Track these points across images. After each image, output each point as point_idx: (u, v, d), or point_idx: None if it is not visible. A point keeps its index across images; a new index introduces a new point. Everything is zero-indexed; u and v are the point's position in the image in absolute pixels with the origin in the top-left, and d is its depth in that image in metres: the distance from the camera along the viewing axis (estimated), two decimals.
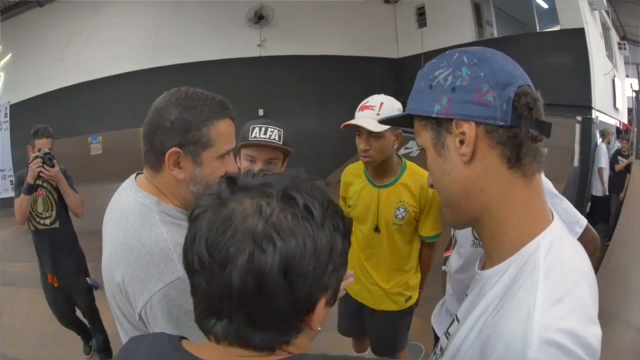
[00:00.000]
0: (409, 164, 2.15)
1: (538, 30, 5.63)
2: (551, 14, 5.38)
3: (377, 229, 2.12)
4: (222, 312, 0.61)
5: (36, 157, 2.79)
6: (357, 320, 2.39)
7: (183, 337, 0.70)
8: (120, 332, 1.17)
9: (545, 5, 5.51)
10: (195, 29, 7.91)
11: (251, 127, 1.80)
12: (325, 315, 0.68)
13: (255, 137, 1.79)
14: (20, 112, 7.80)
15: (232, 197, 0.62)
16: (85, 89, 7.58)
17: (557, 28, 5.31)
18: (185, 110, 1.09)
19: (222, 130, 1.14)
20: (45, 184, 2.97)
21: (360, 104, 2.02)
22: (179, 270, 0.97)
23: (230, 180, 0.65)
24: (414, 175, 2.09)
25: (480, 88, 0.72)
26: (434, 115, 0.76)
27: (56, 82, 7.77)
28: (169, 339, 0.70)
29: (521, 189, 0.75)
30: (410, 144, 6.54)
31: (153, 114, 1.12)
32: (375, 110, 1.94)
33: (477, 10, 6.50)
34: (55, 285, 3.01)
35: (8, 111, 7.99)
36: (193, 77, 7.75)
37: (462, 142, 0.74)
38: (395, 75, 8.12)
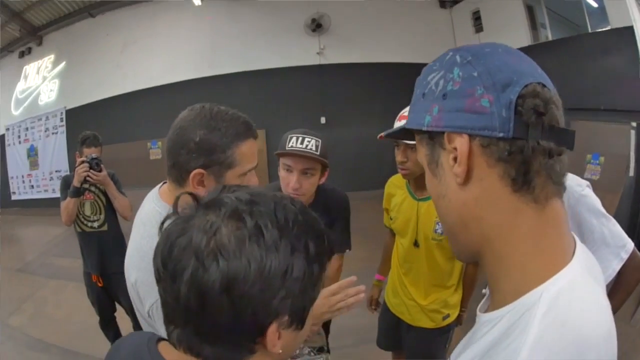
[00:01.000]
0: None
1: (590, 30, 5.37)
2: (601, 14, 5.12)
3: (416, 244, 2.04)
4: (175, 321, 0.62)
5: (83, 161, 2.87)
6: (395, 334, 2.33)
7: (163, 339, 0.70)
8: (140, 322, 1.25)
9: (594, 5, 5.24)
10: (253, 37, 8.04)
11: (289, 136, 1.83)
12: (292, 339, 0.66)
13: (292, 146, 1.81)
14: (77, 117, 8.25)
15: (195, 213, 0.62)
16: (143, 96, 7.88)
17: (607, 28, 5.03)
18: (209, 131, 1.11)
19: (245, 150, 1.16)
20: (93, 188, 3.05)
21: (400, 113, 1.93)
22: None
23: (194, 197, 0.65)
24: None
25: (473, 92, 0.57)
26: (424, 129, 0.63)
27: (113, 89, 8.17)
28: (149, 339, 0.70)
29: (530, 218, 0.57)
30: None
31: (177, 132, 1.14)
32: None
33: (531, 12, 6.30)
34: (100, 285, 3.09)
35: (64, 116, 8.51)
36: (252, 85, 7.95)
37: (455, 160, 0.59)
38: None
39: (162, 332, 0.69)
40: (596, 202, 1.44)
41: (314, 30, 7.88)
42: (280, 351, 0.63)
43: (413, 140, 0.71)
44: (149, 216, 1.19)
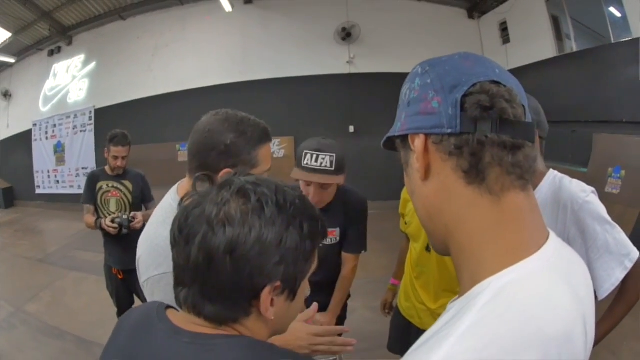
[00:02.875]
0: None
1: (613, 41, 5.30)
2: (623, 23, 5.05)
3: (428, 248, 2.05)
4: (184, 281, 0.71)
5: (113, 220, 2.92)
6: (405, 338, 2.33)
7: (171, 307, 0.80)
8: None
9: (618, 14, 5.18)
10: (284, 45, 8.10)
11: (304, 152, 1.90)
12: (286, 309, 0.76)
13: (307, 164, 1.89)
14: (106, 116, 8.41)
15: (210, 191, 0.73)
16: (173, 99, 8.02)
17: (629, 38, 4.96)
18: (239, 135, 1.24)
19: (265, 153, 1.30)
20: (119, 185, 3.11)
21: None
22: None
23: (209, 177, 0.81)
24: None
25: (426, 96, 0.63)
26: (396, 134, 0.69)
27: (144, 91, 8.34)
28: (158, 306, 0.79)
29: (485, 210, 0.59)
30: None
31: (206, 135, 1.24)
32: None
33: (556, 23, 6.25)
34: (120, 277, 3.14)
35: (93, 115, 8.69)
36: (282, 92, 8.03)
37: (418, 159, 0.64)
38: None
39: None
40: (600, 209, 1.41)
41: (344, 39, 7.91)
42: (273, 317, 0.72)
43: (394, 149, 0.75)
44: (161, 207, 1.34)
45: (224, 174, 1.21)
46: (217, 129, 1.24)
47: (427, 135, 0.62)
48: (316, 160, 1.88)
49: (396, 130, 0.69)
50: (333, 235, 2.16)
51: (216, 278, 0.68)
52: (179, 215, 0.72)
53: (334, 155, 1.88)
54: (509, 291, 0.54)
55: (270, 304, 0.71)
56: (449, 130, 0.59)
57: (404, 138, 0.67)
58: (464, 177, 0.60)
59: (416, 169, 0.65)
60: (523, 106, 0.62)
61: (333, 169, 1.87)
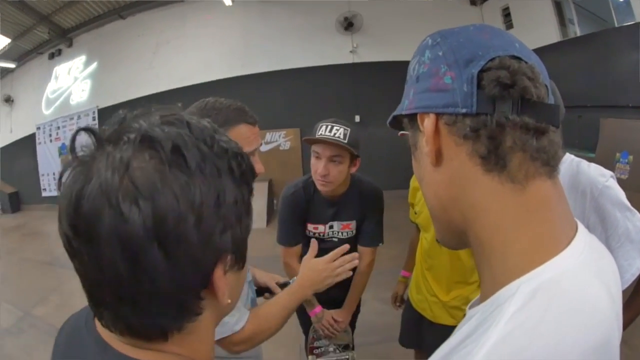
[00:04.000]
0: None
1: (616, 25, 5.25)
2: (626, 7, 5.00)
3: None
4: (103, 300, 0.49)
5: None
6: (417, 331, 2.30)
7: None
8: None
9: None
10: (285, 36, 8.08)
11: (319, 124, 1.89)
12: (236, 282, 0.59)
13: (320, 134, 1.87)
14: (109, 116, 8.38)
15: (95, 153, 0.48)
16: (176, 95, 7.93)
17: (633, 22, 4.90)
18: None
19: (237, 135, 1.25)
20: None
21: None
22: None
23: (91, 132, 0.49)
24: None
25: (437, 71, 0.55)
26: (403, 113, 0.61)
27: (147, 89, 8.32)
28: (87, 315, 0.60)
29: (508, 200, 0.52)
30: None
31: None
32: None
33: (559, 8, 6.21)
34: None
35: (96, 115, 8.70)
36: (286, 84, 8.01)
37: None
38: None
39: None
40: (621, 194, 1.35)
41: (346, 29, 7.88)
42: (230, 300, 0.56)
43: (402, 129, 0.68)
44: None
45: None
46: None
47: (438, 115, 0.55)
48: (330, 131, 1.87)
49: (404, 108, 0.62)
50: (349, 229, 2.15)
51: (148, 280, 0.46)
52: (64, 207, 0.47)
53: (348, 129, 1.88)
54: (541, 297, 0.46)
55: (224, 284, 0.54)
56: (464, 110, 0.52)
57: (412, 117, 0.60)
58: (481, 163, 0.52)
59: (425, 152, 0.57)
60: (546, 86, 0.54)
61: (345, 141, 1.85)
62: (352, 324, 2.35)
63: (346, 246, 1.52)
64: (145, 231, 0.44)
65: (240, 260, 0.57)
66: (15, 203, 9.73)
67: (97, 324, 0.55)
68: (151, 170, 0.45)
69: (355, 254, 1.51)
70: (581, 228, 0.56)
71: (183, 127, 0.50)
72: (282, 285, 1.68)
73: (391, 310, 2.52)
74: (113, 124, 0.50)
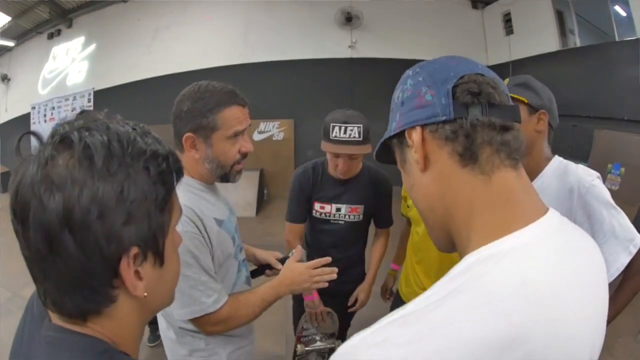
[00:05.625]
0: None
1: (617, 39, 5.28)
2: (628, 22, 5.03)
3: None
4: (37, 277, 0.58)
5: None
6: None
7: None
8: None
9: (623, 13, 5.16)
10: (286, 28, 8.09)
11: (331, 125, 1.94)
12: (158, 277, 0.63)
13: (335, 136, 1.93)
14: (105, 98, 8.36)
15: (37, 151, 0.57)
16: (173, 80, 7.80)
17: (634, 37, 4.94)
18: (195, 101, 1.34)
19: (229, 115, 1.36)
20: None
21: None
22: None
23: (34, 135, 0.61)
24: None
25: (419, 91, 0.68)
26: (392, 134, 0.73)
27: (144, 73, 8.30)
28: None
29: (478, 189, 0.63)
30: None
31: (174, 106, 1.39)
32: None
33: (560, 18, 6.23)
34: None
35: (92, 97, 8.65)
36: (283, 75, 8.01)
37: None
38: None
39: None
40: (606, 193, 1.42)
41: (346, 24, 7.90)
42: (146, 294, 0.61)
43: (389, 159, 0.81)
44: None
45: (186, 138, 1.35)
46: (180, 98, 1.38)
47: (423, 127, 0.67)
48: (345, 132, 1.93)
49: (392, 130, 0.74)
50: (356, 212, 2.20)
51: (63, 263, 0.53)
52: (10, 195, 0.56)
53: (361, 125, 1.94)
54: (482, 267, 0.55)
55: (138, 278, 0.59)
56: (444, 118, 0.64)
57: (401, 136, 0.71)
58: (459, 160, 0.64)
59: (415, 160, 0.68)
60: (506, 94, 0.68)
61: (361, 139, 1.93)
62: (349, 321, 2.40)
63: (328, 258, 1.56)
64: (58, 219, 0.52)
65: (156, 256, 0.62)
66: (7, 183, 9.65)
67: None
68: (64, 167, 0.53)
69: (334, 269, 1.54)
70: (552, 214, 0.64)
71: (100, 131, 0.57)
72: (282, 260, 1.73)
73: (380, 303, 2.55)
74: (55, 127, 0.59)
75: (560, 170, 1.51)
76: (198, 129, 1.35)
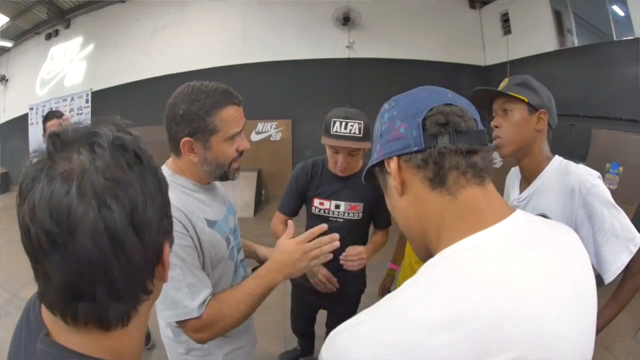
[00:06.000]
0: None
1: (615, 39, 5.29)
2: (626, 22, 5.04)
3: None
4: (82, 289, 0.54)
5: None
6: None
7: None
8: None
9: (621, 13, 5.16)
10: (283, 28, 8.07)
11: (332, 120, 1.96)
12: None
13: (336, 131, 1.95)
14: (103, 99, 8.34)
15: (59, 155, 0.55)
16: (171, 81, 7.90)
17: (632, 37, 4.95)
18: (190, 104, 1.30)
19: (226, 116, 1.33)
20: None
21: None
22: None
23: (55, 137, 0.58)
24: None
25: (394, 125, 0.76)
26: (373, 163, 0.83)
27: (142, 73, 8.27)
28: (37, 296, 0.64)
29: (446, 208, 0.72)
30: (495, 154, 6.40)
31: (167, 109, 1.34)
32: None
33: (558, 17, 6.23)
34: None
35: (89, 97, 8.62)
36: (280, 75, 7.99)
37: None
38: (483, 84, 7.58)
39: None
40: (607, 192, 1.42)
41: (343, 24, 7.88)
42: (168, 278, 0.68)
43: (374, 182, 0.91)
44: None
45: (184, 143, 1.32)
46: (174, 101, 1.33)
47: (399, 157, 0.75)
48: (345, 127, 1.96)
49: (373, 160, 0.83)
50: (356, 210, 2.20)
51: (126, 263, 0.54)
52: (41, 206, 0.51)
53: (362, 122, 1.97)
54: (434, 266, 0.67)
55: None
56: (416, 148, 0.73)
57: (381, 164, 0.80)
58: (429, 184, 0.73)
59: (393, 186, 0.77)
60: (475, 119, 0.76)
61: (361, 135, 1.96)
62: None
63: (324, 226, 1.42)
64: (125, 218, 0.54)
65: (172, 242, 0.67)
66: (5, 184, 9.64)
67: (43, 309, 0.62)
68: (123, 168, 0.56)
69: (335, 235, 1.40)
70: (514, 215, 0.72)
71: (126, 133, 0.60)
72: None
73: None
74: (74, 130, 0.59)
75: (561, 170, 1.51)
76: (196, 132, 1.31)
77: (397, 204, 0.79)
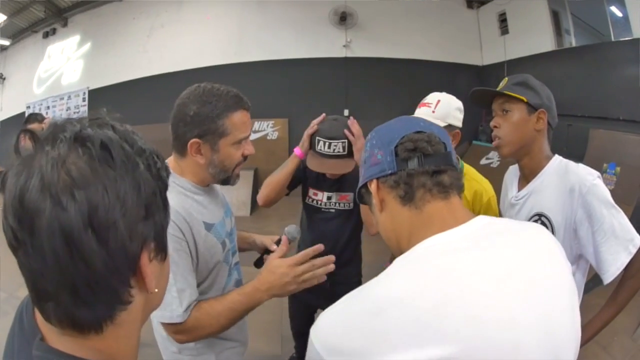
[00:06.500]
0: (467, 168, 2.07)
1: (613, 39, 5.30)
2: (624, 23, 5.05)
3: None
4: (47, 292, 0.52)
5: None
6: None
7: None
8: None
9: (619, 14, 5.17)
10: (280, 27, 8.08)
11: (317, 139, 1.97)
12: (160, 273, 0.63)
13: (320, 150, 1.97)
14: (100, 97, 8.32)
15: (35, 152, 0.53)
16: (168, 79, 7.86)
17: (630, 38, 4.96)
18: (202, 105, 1.30)
19: (236, 121, 1.34)
20: None
21: (421, 102, 2.01)
22: None
23: (31, 134, 0.55)
24: (470, 180, 1.98)
25: (373, 152, 0.89)
26: (360, 185, 0.96)
27: (139, 72, 8.28)
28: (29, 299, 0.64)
29: (414, 221, 0.84)
30: (491, 154, 6.42)
31: (176, 109, 1.33)
32: (431, 108, 1.93)
33: (556, 17, 6.24)
34: None
35: (86, 96, 8.62)
36: (277, 74, 7.99)
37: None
38: (480, 84, 7.49)
39: None
40: (606, 192, 1.42)
41: (340, 23, 7.90)
42: (156, 289, 0.60)
43: (364, 201, 1.00)
44: None
45: (192, 144, 1.31)
46: (184, 101, 1.32)
47: (378, 179, 0.88)
48: (329, 147, 1.96)
49: (360, 183, 0.96)
50: (346, 200, 2.21)
51: (86, 267, 0.50)
52: (9, 201, 0.51)
53: (346, 140, 1.96)
54: (396, 262, 0.78)
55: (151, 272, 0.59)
56: (389, 171, 0.85)
57: (365, 186, 0.93)
58: (400, 201, 0.85)
59: (375, 204, 0.90)
60: (444, 143, 0.87)
61: (346, 153, 1.97)
62: None
63: (320, 246, 1.37)
64: (82, 219, 0.49)
65: (162, 250, 0.62)
66: (2, 182, 9.60)
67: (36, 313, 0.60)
68: (83, 165, 0.51)
69: (330, 257, 1.35)
70: (474, 221, 0.82)
71: (108, 128, 0.56)
72: (277, 242, 1.59)
73: None
74: (49, 127, 0.56)
75: (560, 169, 1.51)
76: (206, 134, 1.31)
77: (379, 219, 0.92)
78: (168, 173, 0.64)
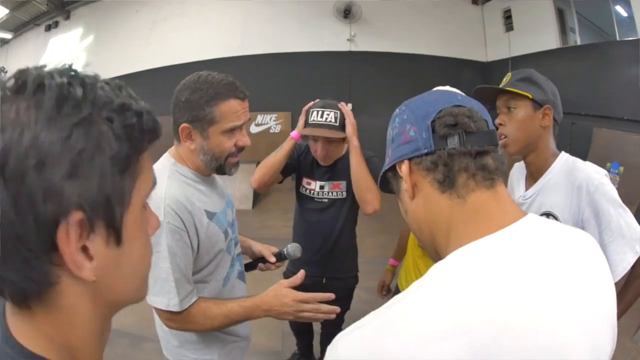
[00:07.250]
0: None
1: (618, 38, 5.27)
2: (629, 22, 5.02)
3: None
4: None
5: None
6: None
7: None
8: None
9: (624, 13, 5.14)
10: (284, 20, 8.04)
11: (311, 110, 2.06)
12: (112, 261, 0.51)
13: (313, 120, 2.03)
14: None
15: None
16: (170, 72, 7.74)
17: (635, 37, 4.93)
18: (193, 92, 1.32)
19: (226, 109, 1.34)
20: None
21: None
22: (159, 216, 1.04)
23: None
24: None
25: (404, 129, 0.76)
26: (386, 168, 0.83)
27: (141, 65, 8.26)
28: None
29: (455, 212, 0.71)
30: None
31: (174, 95, 1.37)
32: None
33: (561, 15, 6.21)
34: None
35: None
36: (281, 68, 7.98)
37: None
38: (484, 80, 7.61)
39: None
40: (614, 191, 1.40)
41: (344, 17, 7.87)
42: (94, 278, 0.48)
43: (391, 189, 0.87)
44: (155, 167, 1.43)
45: (182, 128, 1.34)
46: (180, 88, 1.36)
47: (409, 160, 0.75)
48: (321, 116, 2.04)
49: (386, 164, 0.82)
50: (339, 189, 2.24)
51: None
52: None
53: (338, 112, 2.04)
54: (439, 272, 0.64)
55: (86, 257, 0.48)
56: (425, 150, 0.72)
57: (394, 169, 0.80)
58: (439, 187, 0.72)
59: (405, 189, 0.77)
60: (485, 120, 0.75)
61: (337, 124, 2.02)
62: (342, 317, 2.37)
63: (330, 295, 1.43)
64: None
65: (109, 229, 0.49)
66: None
67: None
68: (14, 109, 0.44)
69: (336, 308, 1.41)
70: (524, 220, 0.70)
71: (64, 75, 0.49)
72: (277, 255, 1.68)
73: (377, 299, 2.55)
74: (16, 72, 0.50)
75: (568, 167, 1.49)
76: (194, 120, 1.33)
77: (409, 208, 0.79)
78: (152, 137, 0.55)
